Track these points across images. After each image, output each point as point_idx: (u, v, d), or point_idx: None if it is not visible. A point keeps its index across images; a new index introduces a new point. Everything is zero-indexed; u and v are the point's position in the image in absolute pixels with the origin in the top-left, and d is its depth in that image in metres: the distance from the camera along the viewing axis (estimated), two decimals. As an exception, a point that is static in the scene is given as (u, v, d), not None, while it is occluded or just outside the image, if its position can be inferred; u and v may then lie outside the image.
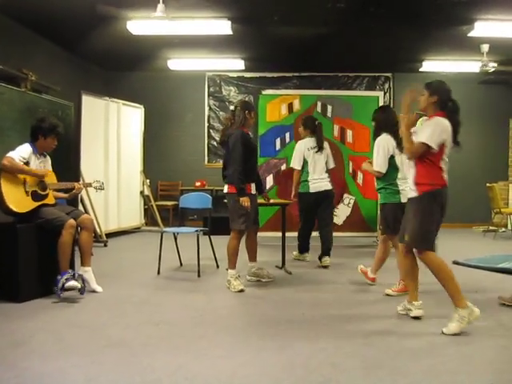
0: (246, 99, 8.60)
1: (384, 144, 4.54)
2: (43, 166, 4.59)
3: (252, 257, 5.15)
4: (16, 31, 6.91)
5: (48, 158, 4.69)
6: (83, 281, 4.38)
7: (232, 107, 5.04)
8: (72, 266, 4.52)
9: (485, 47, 7.59)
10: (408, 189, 3.79)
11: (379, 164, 4.55)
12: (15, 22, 6.80)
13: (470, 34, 7.01)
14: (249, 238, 5.09)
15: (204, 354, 3.06)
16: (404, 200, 4.18)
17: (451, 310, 3.49)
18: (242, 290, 4.68)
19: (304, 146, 5.96)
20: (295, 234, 6.31)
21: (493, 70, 8.11)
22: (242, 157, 4.62)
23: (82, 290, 4.32)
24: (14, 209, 4.24)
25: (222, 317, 3.87)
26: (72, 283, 4.25)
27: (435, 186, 3.59)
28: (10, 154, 4.29)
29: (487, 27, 6.71)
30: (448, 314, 3.54)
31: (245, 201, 4.61)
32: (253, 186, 4.87)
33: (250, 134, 4.90)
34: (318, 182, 5.89)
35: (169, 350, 3.11)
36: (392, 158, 4.57)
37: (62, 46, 8.09)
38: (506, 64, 8.51)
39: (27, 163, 4.37)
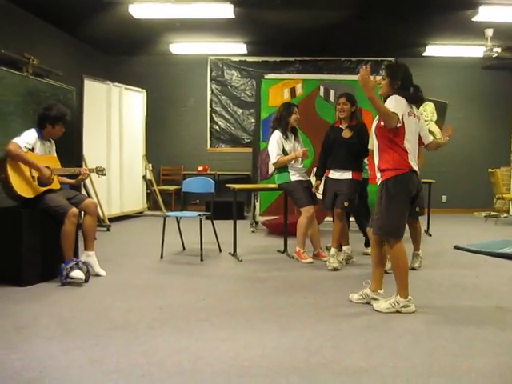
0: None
1: None
2: (48, 151, 4.58)
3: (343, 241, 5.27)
4: (17, 15, 6.87)
5: (53, 143, 4.68)
6: (87, 268, 4.40)
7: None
8: (76, 254, 4.53)
9: (489, 32, 7.52)
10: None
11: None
12: (16, 5, 6.75)
13: (474, 19, 6.95)
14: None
15: (207, 336, 3.10)
16: None
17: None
18: (336, 269, 4.88)
19: None
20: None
21: (497, 55, 8.05)
22: (323, 148, 5.21)
23: (86, 279, 4.31)
24: (21, 194, 4.24)
25: (225, 300, 3.90)
26: (76, 274, 4.23)
27: (399, 171, 3.40)
28: (16, 139, 4.27)
29: (491, 12, 6.66)
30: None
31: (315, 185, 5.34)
32: (332, 171, 5.07)
33: (341, 126, 5.11)
34: None
35: (172, 333, 3.15)
36: None
37: (63, 29, 8.05)
38: (510, 49, 8.45)
39: (32, 149, 4.36)
